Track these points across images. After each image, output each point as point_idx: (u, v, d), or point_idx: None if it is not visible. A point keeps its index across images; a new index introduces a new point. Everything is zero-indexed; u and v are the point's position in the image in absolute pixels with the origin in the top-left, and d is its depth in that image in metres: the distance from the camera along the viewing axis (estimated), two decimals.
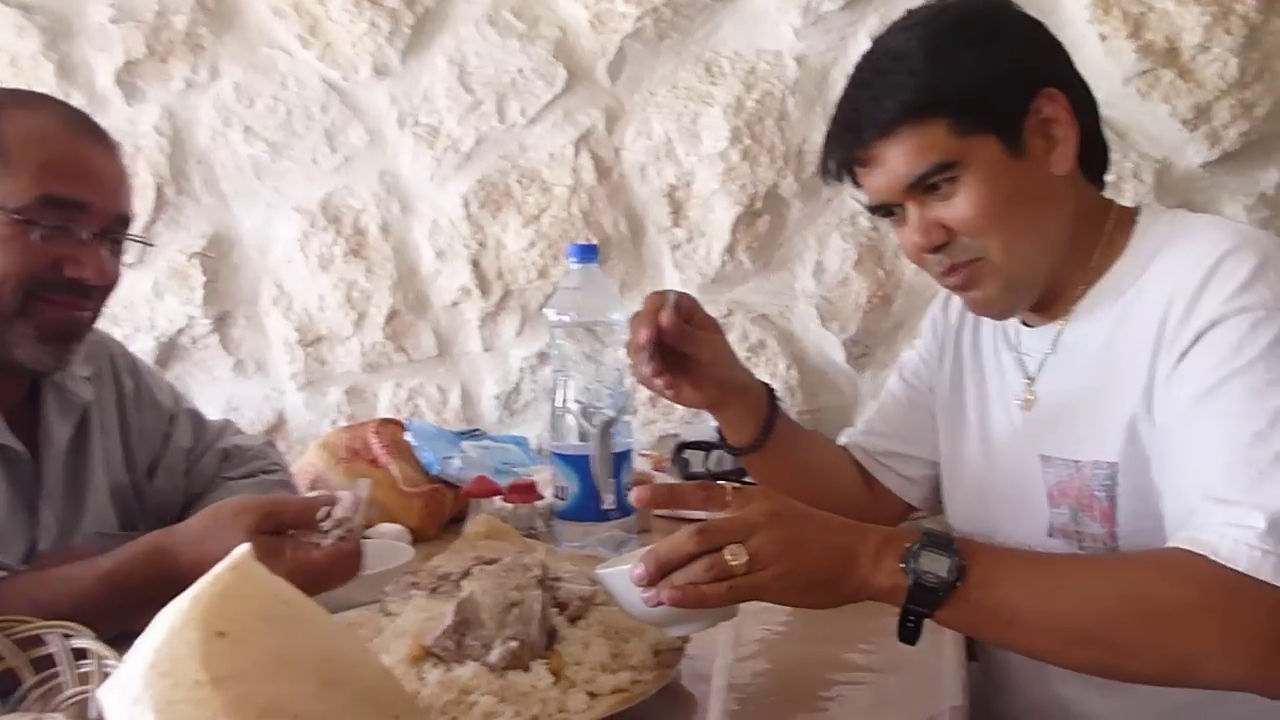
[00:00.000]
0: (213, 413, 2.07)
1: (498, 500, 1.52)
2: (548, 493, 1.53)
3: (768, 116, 1.80)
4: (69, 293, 1.20)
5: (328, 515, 1.05)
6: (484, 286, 1.95)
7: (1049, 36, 1.12)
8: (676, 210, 1.87)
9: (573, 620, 1.00)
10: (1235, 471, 0.89)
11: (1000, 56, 1.05)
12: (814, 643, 1.10)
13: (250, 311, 2.08)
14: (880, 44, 1.11)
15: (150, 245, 1.32)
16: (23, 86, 1.94)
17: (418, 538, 1.57)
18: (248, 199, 2.06)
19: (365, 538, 1.50)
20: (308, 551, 0.97)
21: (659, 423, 1.91)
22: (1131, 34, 1.63)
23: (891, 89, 1.05)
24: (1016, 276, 1.09)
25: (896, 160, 1.06)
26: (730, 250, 1.84)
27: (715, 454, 1.73)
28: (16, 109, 1.19)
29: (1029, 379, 1.17)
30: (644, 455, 1.74)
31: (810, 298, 1.82)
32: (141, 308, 2.09)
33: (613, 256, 1.90)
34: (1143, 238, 1.08)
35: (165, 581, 0.92)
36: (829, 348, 1.84)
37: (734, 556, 0.86)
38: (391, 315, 2.00)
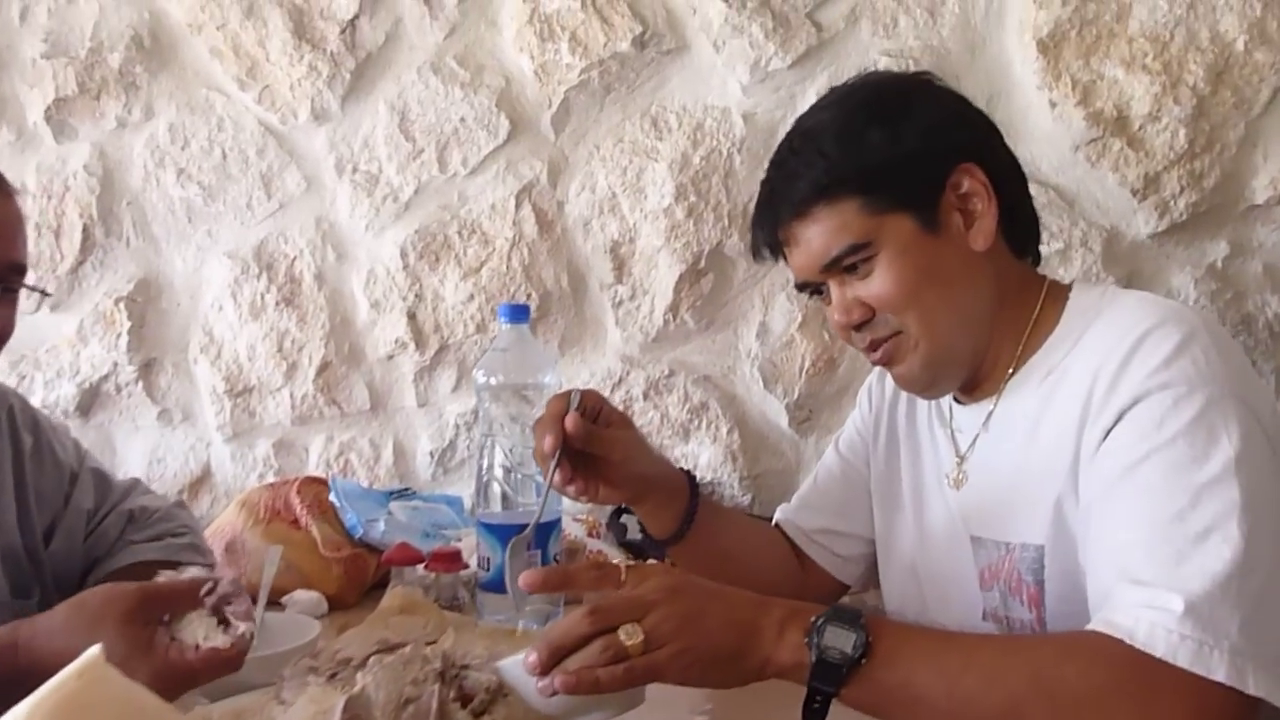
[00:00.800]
0: (136, 463, 2.01)
1: (420, 569, 1.45)
2: (472, 561, 1.46)
3: (714, 173, 1.77)
4: None
5: (211, 592, 0.98)
6: (420, 340, 1.89)
7: (968, 109, 1.11)
8: (620, 267, 1.82)
9: (477, 715, 0.93)
10: (1154, 551, 0.86)
11: (910, 134, 1.04)
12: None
13: (178, 359, 2.00)
14: (799, 123, 1.12)
15: (47, 294, 1.25)
16: None
17: (336, 605, 1.50)
18: (179, 242, 1.99)
19: (278, 604, 1.44)
20: (180, 652, 0.89)
21: None
22: (1081, 101, 1.61)
23: (803, 169, 1.06)
24: (936, 353, 1.07)
25: (813, 240, 1.06)
26: (674, 309, 1.79)
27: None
28: None
29: (960, 457, 1.14)
30: (578, 520, 1.68)
31: (754, 359, 1.78)
32: (65, 352, 2.01)
33: (553, 313, 1.85)
34: (1072, 314, 1.06)
35: (20, 679, 0.84)
36: (772, 411, 1.79)
37: (629, 636, 0.82)
38: (324, 366, 1.93)
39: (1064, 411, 1.00)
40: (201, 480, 2.02)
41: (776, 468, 1.79)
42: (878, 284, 1.05)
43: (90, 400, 2.02)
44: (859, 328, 1.08)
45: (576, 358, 1.85)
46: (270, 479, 1.97)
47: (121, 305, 1.98)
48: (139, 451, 2.03)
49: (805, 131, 1.09)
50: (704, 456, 1.80)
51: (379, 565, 1.57)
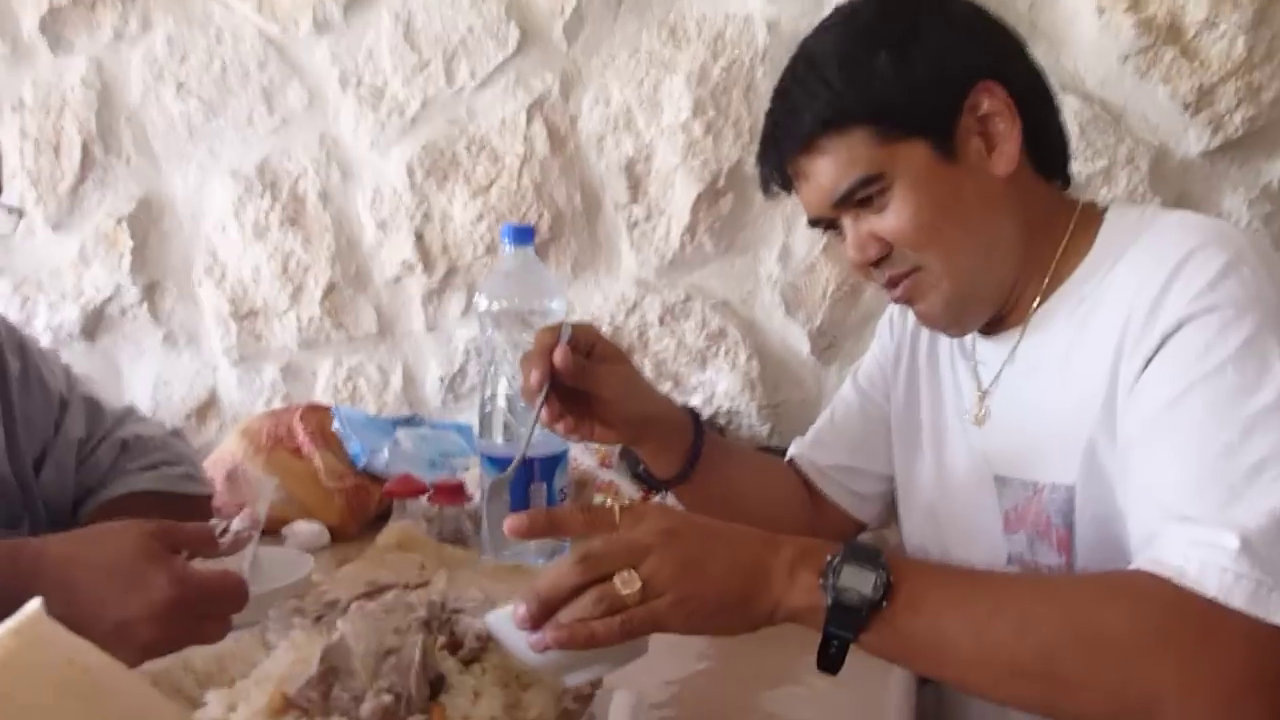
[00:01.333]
0: (142, 388, 1.97)
1: (423, 501, 1.40)
2: (477, 494, 1.41)
3: (734, 87, 1.66)
4: None
5: (225, 531, 0.95)
6: (428, 261, 1.82)
7: (984, 21, 1.02)
8: (635, 186, 1.73)
9: (467, 663, 0.88)
10: (1204, 487, 0.78)
11: (921, 55, 0.96)
12: (738, 683, 0.99)
13: (182, 281, 1.95)
14: (802, 47, 1.04)
15: (21, 213, 1.19)
16: None
17: (338, 536, 1.46)
18: (180, 160, 1.92)
19: (278, 535, 1.40)
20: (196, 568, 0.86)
21: None
22: (1131, 8, 1.49)
23: (807, 101, 0.99)
24: (960, 290, 1.00)
25: (821, 175, 1.00)
26: (691, 231, 1.71)
27: None
28: None
29: (982, 392, 1.07)
30: (590, 450, 1.62)
31: (775, 284, 1.69)
32: (67, 275, 1.96)
33: (565, 234, 1.77)
34: (1107, 239, 0.98)
35: (20, 583, 0.80)
36: (793, 338, 1.71)
37: (625, 585, 0.75)
38: (330, 289, 1.87)
39: (1098, 343, 0.92)
40: (208, 405, 1.97)
41: (797, 397, 1.72)
42: (893, 218, 0.98)
43: (94, 323, 1.98)
44: (877, 264, 1.01)
45: (590, 281, 1.78)
46: (278, 404, 1.93)
47: (123, 225, 1.92)
48: (144, 376, 1.99)
49: (808, 57, 1.01)
50: (721, 385, 1.73)
51: (382, 496, 1.52)
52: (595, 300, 1.77)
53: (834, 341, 1.69)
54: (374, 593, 0.99)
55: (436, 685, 0.84)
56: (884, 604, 0.76)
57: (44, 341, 2.00)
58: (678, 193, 1.71)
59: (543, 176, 1.75)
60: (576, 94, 1.75)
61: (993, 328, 1.06)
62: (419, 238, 1.81)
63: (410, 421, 1.72)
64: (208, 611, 0.88)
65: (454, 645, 0.89)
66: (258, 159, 1.87)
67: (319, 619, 0.97)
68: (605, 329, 1.75)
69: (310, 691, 0.80)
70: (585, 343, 1.06)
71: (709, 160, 1.68)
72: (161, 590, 0.83)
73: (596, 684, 0.91)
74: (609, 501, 0.85)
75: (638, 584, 0.76)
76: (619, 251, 1.77)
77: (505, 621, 0.81)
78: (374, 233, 1.84)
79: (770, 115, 1.05)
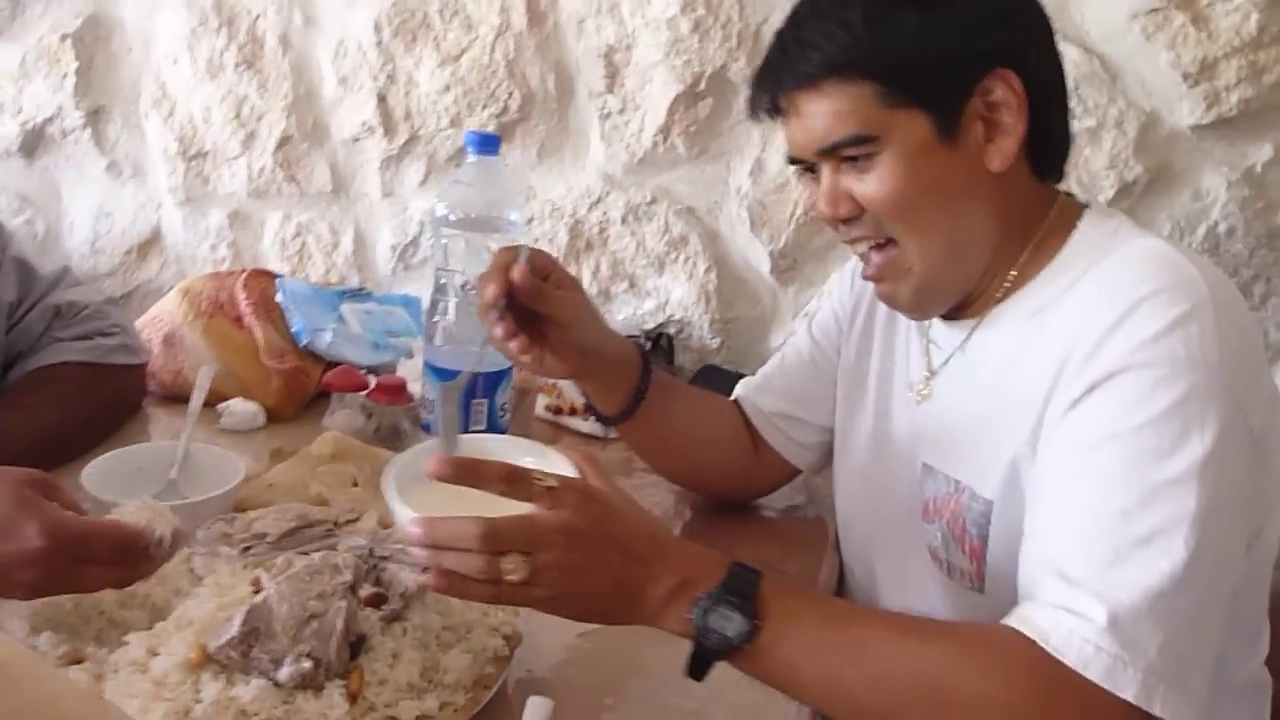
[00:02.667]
0: (82, 216, 1.91)
1: (362, 396, 1.39)
2: (416, 390, 1.40)
3: None
4: None
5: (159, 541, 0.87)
6: (389, 126, 1.74)
7: (1023, 3, 0.97)
8: (613, 76, 1.65)
9: (389, 621, 0.89)
10: (1090, 547, 0.80)
11: (950, 24, 0.92)
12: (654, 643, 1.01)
13: (128, 110, 1.85)
14: None
15: None
16: None
17: (274, 418, 1.45)
18: None
19: (210, 408, 1.38)
20: (75, 516, 0.83)
21: None
22: None
23: (820, 40, 0.94)
24: (930, 280, 0.99)
25: (814, 118, 0.95)
26: (664, 131, 1.65)
27: None
28: None
29: (930, 372, 1.07)
30: None
31: (743, 197, 1.65)
32: (6, 87, 1.85)
33: (534, 116, 1.70)
34: (1074, 249, 0.96)
35: None
36: (754, 256, 1.68)
37: (513, 569, 0.77)
38: (284, 140, 1.79)
39: (1039, 366, 0.91)
40: (151, 243, 1.92)
41: (751, 314, 1.71)
42: (874, 184, 0.94)
43: (34, 142, 1.89)
44: (845, 221, 0.99)
45: (555, 169, 1.72)
46: (223, 251, 1.88)
47: (68, 43, 1.80)
48: (85, 204, 1.92)
49: None
50: (677, 293, 1.71)
51: (321, 377, 1.50)
52: (558, 189, 1.72)
53: (795, 264, 1.67)
54: (303, 528, 0.99)
55: (357, 646, 0.86)
56: (743, 646, 0.79)
57: None
58: (656, 89, 1.64)
59: (516, 52, 1.67)
60: None
61: (952, 313, 1.05)
62: (381, 99, 1.73)
63: (357, 295, 1.68)
64: (88, 558, 0.84)
65: (378, 599, 0.91)
66: None
67: (246, 549, 0.97)
68: (565, 220, 1.71)
69: (231, 650, 0.81)
70: (542, 267, 1.06)
71: (692, 61, 1.60)
72: (32, 540, 0.80)
73: (514, 643, 0.94)
74: (545, 471, 0.82)
75: (524, 573, 0.77)
76: (588, 141, 1.70)
77: (401, 514, 0.81)
78: (335, 87, 1.75)
79: (779, 40, 0.99)
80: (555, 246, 1.72)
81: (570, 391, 1.56)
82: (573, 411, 1.53)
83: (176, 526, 0.88)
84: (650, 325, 1.72)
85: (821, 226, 1.61)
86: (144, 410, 1.44)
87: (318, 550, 0.97)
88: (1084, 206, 1.00)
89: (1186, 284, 0.86)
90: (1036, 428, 0.90)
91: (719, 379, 1.58)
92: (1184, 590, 0.77)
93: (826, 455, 1.26)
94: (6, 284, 1.28)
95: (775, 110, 1.00)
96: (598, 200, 1.70)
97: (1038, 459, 0.90)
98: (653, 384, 1.19)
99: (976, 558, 0.98)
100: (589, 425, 1.50)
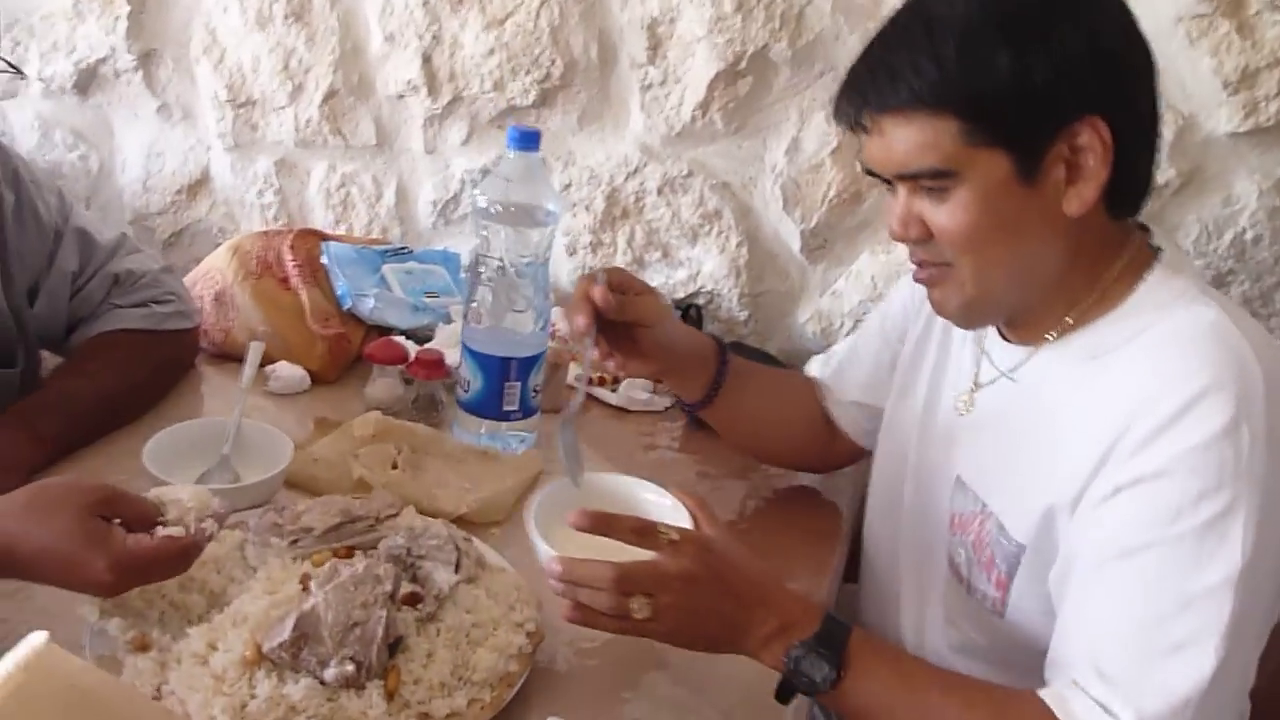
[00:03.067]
0: (134, 154, 1.97)
1: (401, 367, 1.46)
2: (453, 359, 1.46)
3: None
4: None
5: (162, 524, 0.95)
6: (433, 86, 1.77)
7: (1122, 43, 0.94)
8: (655, 47, 1.67)
9: (423, 622, 0.98)
10: (1128, 649, 0.87)
11: (1043, 66, 0.90)
12: None
13: (179, 54, 1.89)
14: (926, 4, 0.95)
15: (21, 74, 1.15)
16: None
17: (316, 380, 1.52)
18: None
19: (265, 372, 1.46)
20: (136, 540, 0.91)
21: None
22: None
23: (910, 73, 0.92)
24: (980, 302, 1.01)
25: (895, 143, 0.95)
26: (703, 107, 1.66)
27: None
28: None
29: (975, 385, 1.10)
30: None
31: (778, 175, 1.68)
32: (60, 25, 1.89)
33: (576, 83, 1.72)
34: (1140, 302, 0.97)
35: None
36: (785, 232, 1.72)
37: (639, 609, 0.92)
38: (331, 94, 1.82)
39: (1090, 428, 0.93)
40: (200, 184, 1.97)
41: (779, 289, 1.75)
42: (946, 216, 0.96)
43: (88, 80, 1.93)
44: (913, 241, 1.01)
45: (595, 136, 1.75)
46: (270, 197, 1.93)
47: None
48: (137, 142, 1.97)
49: (928, 20, 0.93)
50: (708, 265, 1.75)
51: (364, 340, 1.57)
52: (597, 156, 1.75)
53: (826, 243, 1.70)
54: (346, 523, 1.07)
55: (394, 646, 0.94)
56: (828, 689, 0.93)
57: (35, 90, 1.96)
58: (697, 64, 1.65)
59: (561, 19, 1.68)
60: None
61: (1009, 333, 1.07)
62: (426, 60, 1.75)
63: (398, 254, 1.74)
64: (152, 575, 0.93)
65: (414, 599, 0.99)
66: None
67: (294, 542, 1.05)
68: (603, 187, 1.75)
69: (283, 651, 0.89)
70: (619, 284, 1.14)
71: (734, 40, 1.61)
72: (101, 574, 0.87)
73: (537, 640, 1.02)
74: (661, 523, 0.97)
75: (648, 612, 0.92)
76: (629, 110, 1.72)
77: (538, 543, 0.99)
78: (381, 44, 1.78)
79: (867, 58, 0.98)
80: (593, 213, 1.76)
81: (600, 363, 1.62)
82: (603, 381, 1.60)
83: (216, 510, 0.97)
84: (680, 295, 1.77)
85: (854, 207, 1.66)
86: (195, 368, 1.52)
87: (359, 544, 1.06)
88: (1156, 252, 0.99)
89: (1242, 374, 0.87)
90: (1079, 492, 0.93)
91: (744, 355, 1.62)
92: (1208, 695, 0.84)
93: None
94: (69, 254, 1.35)
95: (858, 126, 1.00)
96: (635, 170, 1.73)
97: (1078, 529, 0.93)
98: (729, 373, 1.28)
99: (1002, 589, 1.03)
100: (615, 397, 1.57)
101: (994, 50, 0.90)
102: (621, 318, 1.13)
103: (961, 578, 1.08)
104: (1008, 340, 1.07)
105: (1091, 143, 0.91)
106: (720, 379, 1.27)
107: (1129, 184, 0.96)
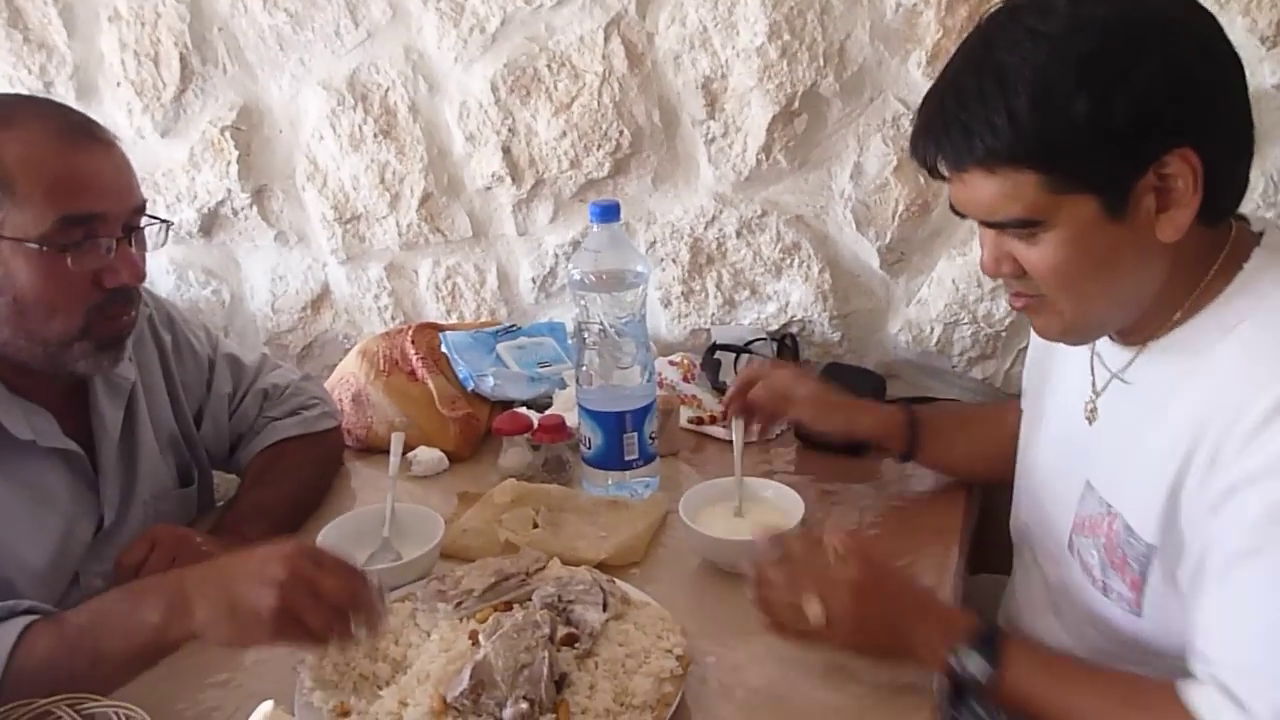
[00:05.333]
0: (261, 280, 2.15)
1: (528, 435, 1.58)
2: (572, 421, 1.57)
3: (809, 9, 1.67)
4: (116, 303, 1.23)
5: None
6: (515, 173, 1.92)
7: (1205, 67, 0.91)
8: (712, 103, 1.78)
9: (582, 658, 1.09)
10: (1252, 658, 0.89)
11: (1124, 107, 0.87)
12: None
13: (287, 185, 2.08)
14: (995, 49, 0.92)
15: (170, 224, 1.32)
16: None
17: (453, 459, 1.66)
18: (274, 70, 1.99)
19: (407, 459, 1.60)
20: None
21: (690, 316, 1.92)
22: None
23: (985, 128, 0.91)
24: (1080, 326, 1.04)
25: (978, 193, 0.96)
26: (766, 149, 1.77)
27: (745, 357, 1.76)
28: (3, 130, 1.15)
29: (1095, 391, 1.11)
30: (673, 364, 1.77)
31: (847, 200, 1.77)
32: (180, 177, 2.10)
33: (646, 149, 1.84)
34: (1240, 288, 0.97)
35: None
36: (863, 252, 1.80)
37: (814, 616, 1.05)
38: (425, 197, 1.99)
39: (1191, 413, 0.94)
40: (322, 298, 2.15)
41: (866, 306, 1.83)
42: (1038, 259, 0.96)
43: (210, 223, 2.13)
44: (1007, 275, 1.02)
45: (670, 194, 1.87)
46: (385, 300, 2.10)
47: (228, 135, 2.03)
48: (261, 269, 2.16)
49: (999, 69, 0.90)
50: (795, 295, 1.84)
51: (490, 415, 1.71)
52: (675, 211, 1.86)
53: (903, 256, 1.78)
54: (500, 581, 1.19)
55: (560, 683, 1.05)
56: (989, 687, 1.02)
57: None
58: (754, 111, 1.76)
59: (622, 94, 1.81)
60: (652, 12, 1.77)
61: (1118, 335, 1.07)
62: (506, 151, 1.90)
63: (508, 332, 1.88)
64: (320, 588, 1.01)
65: (571, 639, 1.10)
66: (347, 71, 1.95)
67: (458, 604, 1.17)
68: (685, 239, 1.86)
69: (465, 699, 1.01)
70: (782, 389, 1.41)
71: (784, 83, 1.71)
72: (272, 565, 1.01)
73: (686, 662, 1.12)
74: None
75: (823, 619, 1.05)
76: (697, 165, 1.84)
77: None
78: (463, 145, 1.93)
79: (941, 110, 0.95)
80: (680, 264, 1.87)
81: (710, 402, 1.73)
82: (712, 420, 1.70)
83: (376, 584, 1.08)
84: (774, 327, 1.86)
85: (925, 217, 1.73)
86: (344, 463, 1.67)
87: (515, 598, 1.18)
88: (1258, 236, 0.99)
89: None
90: (1196, 489, 0.94)
91: (844, 374, 1.71)
92: None
93: None
94: (223, 379, 1.52)
95: (936, 174, 0.99)
96: (712, 219, 1.84)
97: (1203, 529, 0.93)
98: (923, 430, 1.40)
99: (1136, 589, 1.04)
100: (726, 432, 1.66)
101: (1071, 96, 0.88)
102: (776, 420, 1.43)
103: (1095, 580, 1.09)
104: (1116, 342, 1.08)
105: (1181, 170, 0.89)
106: (914, 439, 1.40)
107: (1223, 198, 0.94)
